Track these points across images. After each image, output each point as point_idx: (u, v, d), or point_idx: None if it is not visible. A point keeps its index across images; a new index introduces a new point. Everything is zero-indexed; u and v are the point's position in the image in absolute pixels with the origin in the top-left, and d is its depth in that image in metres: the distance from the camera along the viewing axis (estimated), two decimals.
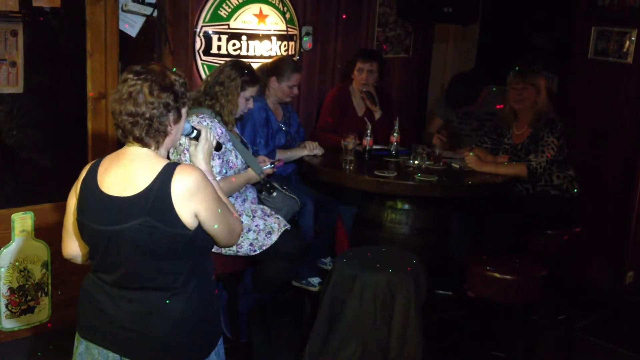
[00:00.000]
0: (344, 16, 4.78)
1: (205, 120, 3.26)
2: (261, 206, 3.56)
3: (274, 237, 3.39)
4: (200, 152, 2.33)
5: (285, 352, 3.80)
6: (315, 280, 3.86)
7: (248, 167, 3.43)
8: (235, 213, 2.21)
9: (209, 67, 4.06)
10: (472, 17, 4.97)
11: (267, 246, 3.38)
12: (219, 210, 2.08)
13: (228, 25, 4.11)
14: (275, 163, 3.61)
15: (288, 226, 3.48)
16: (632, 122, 4.55)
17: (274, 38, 4.25)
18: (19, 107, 3.72)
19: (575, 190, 4.03)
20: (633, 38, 4.47)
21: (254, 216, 3.42)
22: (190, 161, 2.37)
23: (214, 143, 2.40)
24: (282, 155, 3.92)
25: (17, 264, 3.65)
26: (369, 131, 4.11)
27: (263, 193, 3.57)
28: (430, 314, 3.47)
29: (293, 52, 4.42)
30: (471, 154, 4.02)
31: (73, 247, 2.22)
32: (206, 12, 4.04)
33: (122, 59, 3.83)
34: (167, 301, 2.04)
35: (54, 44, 3.83)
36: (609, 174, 4.68)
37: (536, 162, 3.86)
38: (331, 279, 3.33)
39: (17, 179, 3.83)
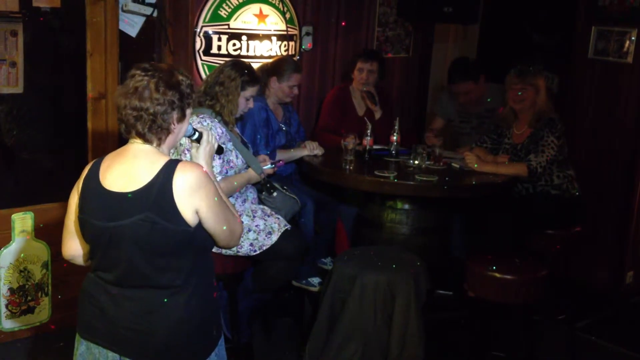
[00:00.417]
0: (343, 23, 4.79)
1: (205, 120, 3.26)
2: (261, 206, 3.55)
3: (274, 237, 3.39)
4: (201, 154, 2.36)
5: (286, 352, 3.80)
6: (316, 280, 3.86)
7: (248, 167, 3.43)
8: (236, 214, 2.21)
9: (209, 67, 4.06)
10: (473, 17, 4.97)
11: (268, 246, 3.38)
12: (220, 209, 2.08)
13: (228, 25, 4.11)
14: (276, 163, 3.61)
15: (288, 226, 3.48)
16: (632, 121, 4.55)
17: (274, 38, 4.25)
18: (19, 108, 3.72)
19: (576, 190, 4.03)
20: (633, 38, 4.46)
21: (254, 216, 3.42)
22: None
23: (216, 146, 2.42)
24: (283, 155, 3.92)
25: (17, 264, 3.65)
26: (369, 131, 4.11)
27: (263, 193, 3.57)
28: (431, 314, 3.47)
29: (293, 52, 4.42)
30: (470, 153, 4.03)
31: (74, 247, 2.21)
32: (206, 12, 4.04)
33: (122, 59, 3.83)
34: (166, 300, 2.03)
35: (54, 44, 3.83)
36: (609, 173, 4.67)
37: (536, 162, 3.86)
38: (331, 279, 3.33)
39: (17, 179, 3.83)
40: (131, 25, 3.90)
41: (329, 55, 4.82)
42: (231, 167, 3.35)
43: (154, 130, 2.06)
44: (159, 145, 2.09)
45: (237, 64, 3.48)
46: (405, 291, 3.17)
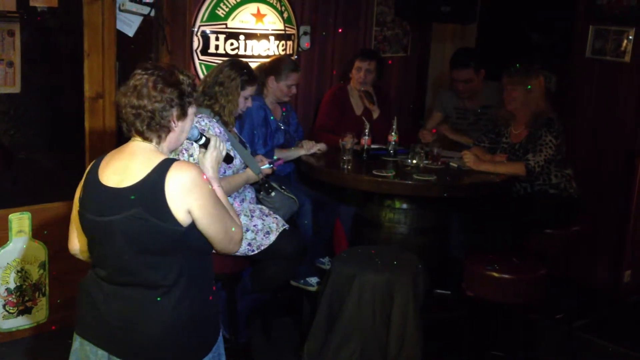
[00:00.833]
0: (339, 30, 4.79)
1: (203, 120, 3.26)
2: (259, 206, 3.55)
3: (273, 237, 3.39)
4: (207, 160, 2.30)
5: (284, 352, 3.80)
6: (314, 280, 3.86)
7: (247, 167, 3.42)
8: (237, 219, 2.19)
9: (207, 66, 4.05)
10: (470, 16, 4.97)
11: (266, 246, 3.38)
12: (215, 211, 2.07)
13: (226, 24, 4.10)
14: (275, 162, 3.61)
15: (286, 226, 3.47)
16: (630, 120, 4.55)
17: (271, 37, 4.25)
18: (16, 107, 3.72)
19: (574, 190, 4.02)
20: (630, 37, 4.47)
21: (252, 216, 3.42)
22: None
23: (224, 153, 2.36)
24: (281, 154, 3.92)
25: (14, 264, 3.64)
26: (367, 130, 4.11)
27: (261, 193, 3.56)
28: (429, 314, 3.47)
29: (291, 52, 4.42)
30: (468, 152, 4.02)
31: (76, 242, 2.24)
32: (204, 12, 4.03)
33: (119, 59, 3.82)
34: (157, 299, 2.02)
35: (51, 43, 3.82)
36: (608, 172, 4.67)
37: (534, 161, 3.86)
38: (330, 278, 3.33)
39: (15, 179, 3.83)
40: (128, 24, 3.89)
41: (327, 55, 4.82)
42: (229, 167, 3.35)
43: (153, 127, 2.06)
44: (158, 143, 2.10)
45: (236, 64, 3.47)
46: (404, 291, 3.17)
